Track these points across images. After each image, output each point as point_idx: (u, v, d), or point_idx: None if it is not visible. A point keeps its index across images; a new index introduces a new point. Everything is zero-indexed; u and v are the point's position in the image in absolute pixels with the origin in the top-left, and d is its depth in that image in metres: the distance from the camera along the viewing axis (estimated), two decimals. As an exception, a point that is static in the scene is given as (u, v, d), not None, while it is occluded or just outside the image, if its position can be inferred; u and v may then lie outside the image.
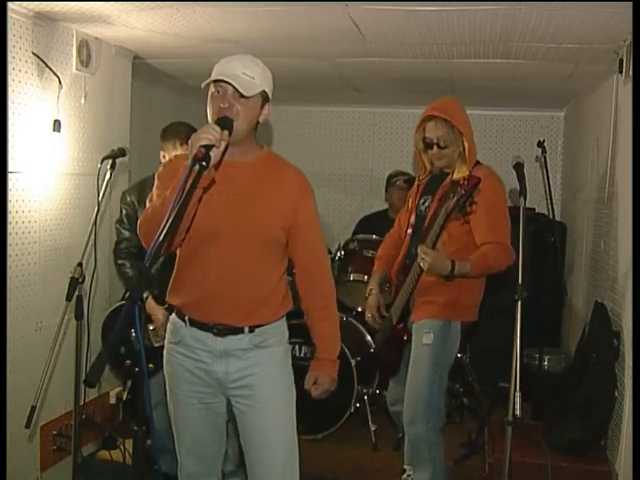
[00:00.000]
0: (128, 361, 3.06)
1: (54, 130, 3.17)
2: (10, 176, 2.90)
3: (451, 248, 2.78)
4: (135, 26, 3.21)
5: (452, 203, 2.57)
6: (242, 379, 2.18)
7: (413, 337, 2.95)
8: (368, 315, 3.18)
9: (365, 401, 4.12)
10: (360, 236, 4.55)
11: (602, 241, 3.71)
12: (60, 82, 3.18)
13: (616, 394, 3.12)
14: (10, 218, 2.93)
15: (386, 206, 5.03)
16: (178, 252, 2.20)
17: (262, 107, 2.12)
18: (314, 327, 2.32)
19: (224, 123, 1.97)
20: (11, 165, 2.90)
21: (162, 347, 2.32)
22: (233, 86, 2.01)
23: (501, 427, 2.71)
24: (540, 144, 3.73)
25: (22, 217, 3.02)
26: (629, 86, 3.06)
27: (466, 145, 2.87)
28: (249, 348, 2.17)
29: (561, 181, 5.58)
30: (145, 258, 1.64)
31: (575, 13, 2.71)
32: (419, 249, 2.73)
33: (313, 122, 6.05)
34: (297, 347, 3.86)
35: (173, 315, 2.27)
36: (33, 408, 2.69)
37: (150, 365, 2.87)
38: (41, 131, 3.10)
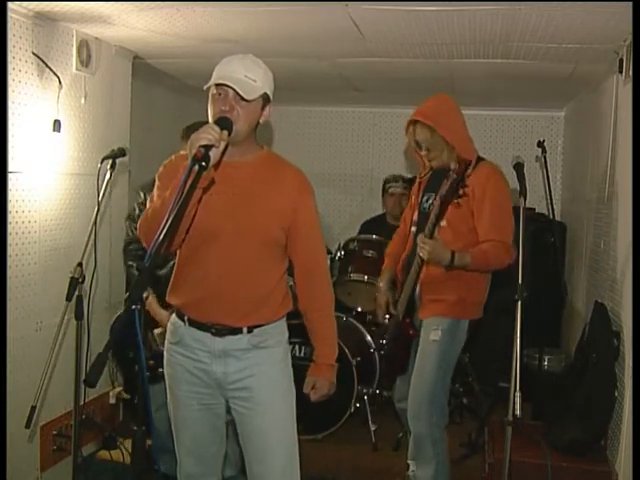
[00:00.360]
0: (137, 366, 3.05)
1: (54, 130, 3.17)
2: (10, 176, 2.90)
3: (449, 237, 2.80)
4: (135, 26, 3.21)
5: (445, 188, 2.62)
6: (241, 380, 2.17)
7: (421, 334, 2.96)
8: (377, 312, 3.20)
9: (365, 401, 4.12)
10: (360, 236, 4.56)
11: (602, 241, 3.71)
12: (60, 82, 3.18)
13: (616, 394, 3.12)
14: (10, 218, 2.93)
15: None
16: (178, 252, 2.20)
17: (263, 108, 2.12)
18: (312, 330, 2.32)
19: (223, 123, 1.97)
20: (11, 165, 2.90)
21: None
22: (235, 90, 2.01)
23: (501, 427, 2.71)
24: (540, 144, 3.73)
25: (22, 217, 3.02)
26: (629, 86, 3.06)
27: (454, 146, 2.85)
28: (248, 348, 2.17)
29: (561, 181, 5.58)
30: (145, 258, 1.64)
31: (575, 13, 2.71)
32: (418, 238, 2.76)
33: (313, 122, 6.05)
34: (297, 347, 3.86)
35: (173, 315, 2.27)
36: (33, 408, 2.70)
37: (160, 369, 2.86)
38: (41, 131, 3.10)
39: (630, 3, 2.48)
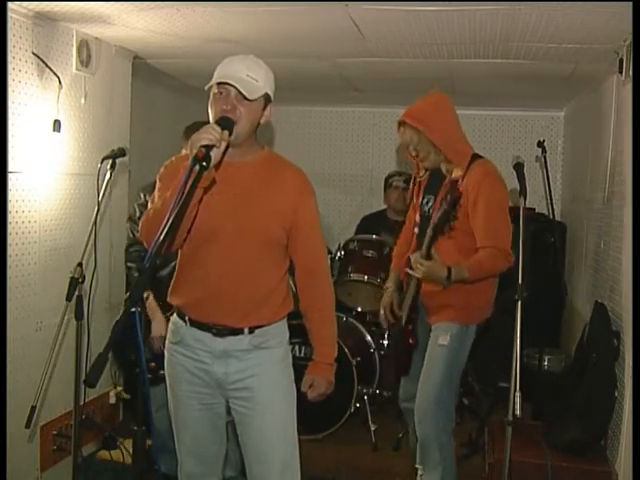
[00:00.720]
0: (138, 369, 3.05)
1: (54, 130, 3.17)
2: (10, 176, 2.90)
3: (449, 245, 2.78)
4: (135, 26, 3.21)
5: (438, 216, 2.66)
6: (242, 381, 2.17)
7: (430, 338, 2.95)
8: (381, 313, 3.19)
9: (365, 401, 4.12)
10: (360, 236, 4.56)
11: (602, 241, 3.71)
12: (60, 82, 3.18)
13: (616, 394, 3.12)
14: (10, 218, 2.93)
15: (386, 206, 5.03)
16: (180, 252, 2.20)
17: (264, 109, 2.12)
18: (312, 329, 2.31)
19: (224, 123, 1.97)
20: (11, 165, 2.90)
21: None
22: (237, 89, 2.01)
23: (501, 427, 2.71)
24: (540, 144, 3.73)
25: (22, 217, 3.02)
26: (629, 86, 3.06)
27: (440, 149, 2.83)
28: (249, 349, 2.17)
29: (561, 181, 5.58)
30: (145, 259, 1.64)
31: (575, 13, 2.71)
32: (412, 258, 2.75)
33: (313, 122, 6.06)
34: (297, 347, 3.86)
35: (174, 315, 2.27)
36: (33, 408, 2.69)
37: (161, 371, 2.86)
38: (41, 131, 3.10)
39: (630, 3, 2.48)
